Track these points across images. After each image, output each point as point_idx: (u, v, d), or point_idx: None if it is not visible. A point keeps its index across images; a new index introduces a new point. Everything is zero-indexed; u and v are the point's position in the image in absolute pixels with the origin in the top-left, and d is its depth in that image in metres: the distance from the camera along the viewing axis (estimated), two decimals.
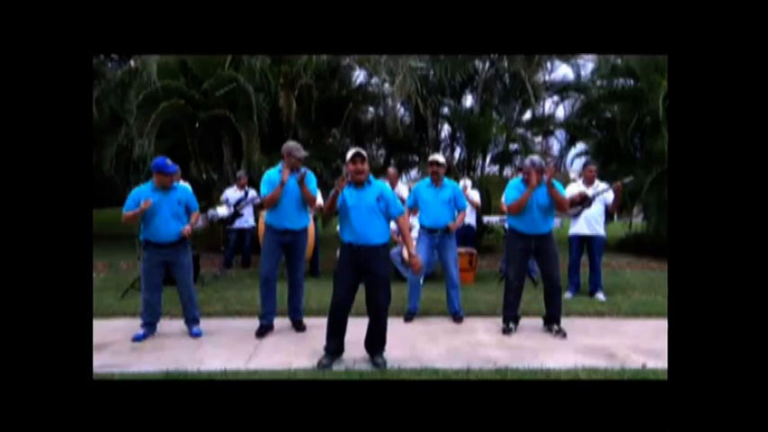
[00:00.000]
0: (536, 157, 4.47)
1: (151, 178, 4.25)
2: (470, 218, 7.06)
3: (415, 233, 5.97)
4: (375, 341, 3.69)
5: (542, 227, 4.39)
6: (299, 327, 4.48)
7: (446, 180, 4.86)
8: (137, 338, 4.19)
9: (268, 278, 4.39)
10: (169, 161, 4.26)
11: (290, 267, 4.50)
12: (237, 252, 7.59)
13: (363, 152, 3.63)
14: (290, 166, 4.27)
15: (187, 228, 4.27)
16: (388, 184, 7.02)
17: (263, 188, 4.37)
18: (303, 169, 4.28)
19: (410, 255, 3.79)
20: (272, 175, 4.38)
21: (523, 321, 4.60)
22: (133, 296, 5.53)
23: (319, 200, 6.77)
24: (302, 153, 4.32)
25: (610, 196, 5.75)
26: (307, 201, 4.39)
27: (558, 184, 4.44)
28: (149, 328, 4.30)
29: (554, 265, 4.46)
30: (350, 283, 3.63)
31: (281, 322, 4.52)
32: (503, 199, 7.25)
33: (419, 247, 4.82)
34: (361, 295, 3.69)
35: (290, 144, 4.41)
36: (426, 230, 4.83)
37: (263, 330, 4.35)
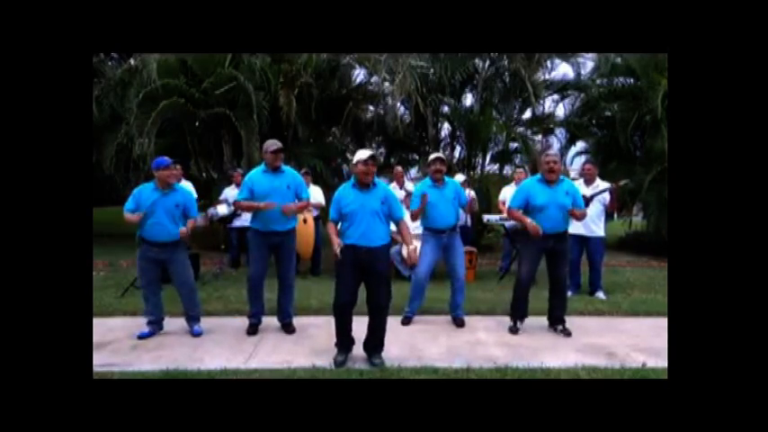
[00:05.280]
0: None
1: (152, 178, 4.24)
2: (463, 217, 7.01)
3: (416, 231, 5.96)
4: (375, 341, 3.70)
5: (561, 225, 4.33)
6: (288, 329, 4.40)
7: (446, 178, 4.81)
8: (142, 336, 4.20)
9: (255, 281, 4.37)
10: (166, 158, 4.27)
11: (280, 269, 4.42)
12: (241, 250, 7.59)
13: (377, 155, 3.60)
14: (270, 166, 4.27)
15: (183, 230, 4.23)
16: (394, 183, 7.03)
17: (242, 192, 4.34)
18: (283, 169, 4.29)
19: (409, 251, 3.67)
20: (252, 176, 4.33)
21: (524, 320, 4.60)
22: (133, 295, 5.53)
23: (321, 199, 6.80)
24: (272, 147, 4.26)
25: (607, 197, 5.73)
26: (300, 209, 4.39)
27: (569, 181, 4.43)
28: (155, 326, 4.30)
29: (563, 265, 4.46)
30: (352, 283, 3.63)
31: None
32: (500, 197, 7.26)
33: (425, 248, 4.71)
34: (361, 294, 3.69)
35: (266, 143, 4.39)
36: (433, 232, 4.69)
37: (253, 329, 4.35)
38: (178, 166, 4.55)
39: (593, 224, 5.72)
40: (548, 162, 4.30)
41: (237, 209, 4.42)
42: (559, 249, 4.40)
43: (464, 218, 6.80)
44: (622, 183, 5.90)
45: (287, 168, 4.41)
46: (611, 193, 5.70)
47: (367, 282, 3.66)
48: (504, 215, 6.66)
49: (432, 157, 4.78)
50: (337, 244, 3.57)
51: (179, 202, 4.24)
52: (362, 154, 3.62)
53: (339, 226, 3.73)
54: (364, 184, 3.63)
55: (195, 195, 5.61)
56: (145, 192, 4.19)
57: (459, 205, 4.77)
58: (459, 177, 6.85)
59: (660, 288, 6.10)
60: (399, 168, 7.59)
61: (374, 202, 3.63)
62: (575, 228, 5.71)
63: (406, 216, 4.26)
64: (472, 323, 4.68)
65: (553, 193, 4.29)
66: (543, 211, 4.29)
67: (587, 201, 5.60)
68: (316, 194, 6.81)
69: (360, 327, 3.74)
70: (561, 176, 4.39)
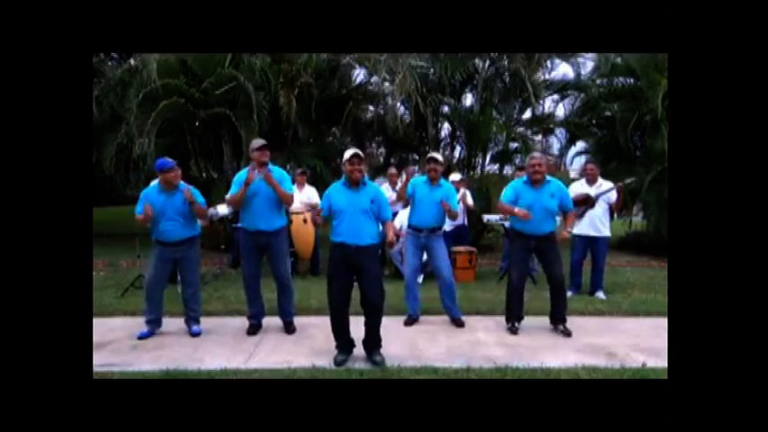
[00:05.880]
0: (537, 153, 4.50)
1: (152, 178, 4.25)
2: (461, 217, 6.99)
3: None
4: (371, 341, 3.72)
5: (544, 227, 4.36)
6: (288, 328, 4.43)
7: (442, 181, 4.77)
8: (141, 336, 4.21)
9: (250, 281, 4.38)
10: (168, 159, 4.28)
11: (272, 270, 4.43)
12: None
13: (361, 153, 3.64)
14: (257, 164, 4.26)
15: (187, 192, 4.19)
16: (386, 184, 7.03)
17: (233, 188, 4.35)
18: (268, 167, 4.25)
19: (386, 226, 3.81)
20: (242, 175, 4.35)
21: (523, 320, 4.59)
22: (133, 295, 5.54)
23: (317, 199, 6.80)
24: (257, 145, 4.28)
25: (613, 196, 5.73)
26: (281, 199, 4.32)
27: (558, 183, 4.43)
28: (154, 325, 4.31)
29: (557, 264, 4.46)
30: (344, 282, 3.67)
31: (280, 321, 4.52)
32: (501, 197, 7.27)
33: (408, 249, 4.79)
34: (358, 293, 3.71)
35: (252, 142, 4.42)
36: (413, 229, 4.73)
37: (253, 330, 4.37)
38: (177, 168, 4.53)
39: (600, 224, 5.73)
40: (532, 165, 4.34)
41: (230, 204, 4.44)
42: (546, 248, 4.42)
43: (462, 218, 6.80)
44: (628, 181, 5.89)
45: (273, 167, 4.41)
46: (617, 192, 5.70)
47: (359, 281, 3.68)
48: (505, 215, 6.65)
49: (428, 156, 4.79)
50: (317, 211, 3.75)
51: (185, 198, 4.26)
52: (348, 153, 3.66)
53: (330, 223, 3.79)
54: (353, 183, 3.66)
55: None
56: (151, 195, 4.23)
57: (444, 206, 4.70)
58: (456, 176, 6.84)
59: (660, 288, 6.10)
60: (393, 170, 7.60)
61: (363, 200, 3.66)
62: (582, 228, 5.73)
63: (403, 213, 4.26)
64: (472, 323, 4.68)
65: (537, 195, 4.32)
66: (529, 211, 4.31)
67: (593, 201, 5.61)
68: (311, 195, 6.82)
69: (359, 327, 3.74)
70: (548, 178, 4.40)
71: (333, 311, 3.69)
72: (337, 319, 3.69)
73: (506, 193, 4.55)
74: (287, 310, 4.47)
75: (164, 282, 4.37)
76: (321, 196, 6.77)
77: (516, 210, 4.33)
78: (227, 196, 4.36)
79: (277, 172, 4.37)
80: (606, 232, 5.82)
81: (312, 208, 6.63)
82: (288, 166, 8.67)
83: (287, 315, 4.47)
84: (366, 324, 3.71)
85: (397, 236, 3.69)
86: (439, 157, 4.74)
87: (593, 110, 10.00)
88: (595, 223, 5.71)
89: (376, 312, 3.68)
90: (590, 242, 5.78)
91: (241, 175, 4.39)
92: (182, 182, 4.31)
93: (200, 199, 4.35)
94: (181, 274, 4.37)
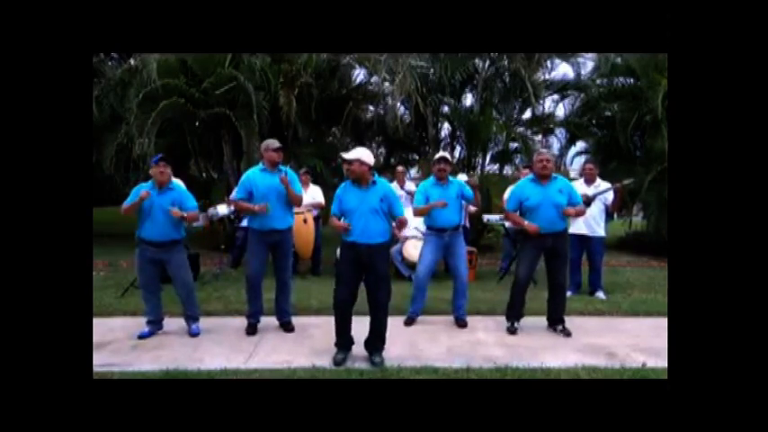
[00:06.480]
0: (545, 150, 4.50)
1: (151, 178, 4.23)
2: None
3: (414, 232, 5.94)
4: (375, 339, 3.72)
5: (558, 224, 4.34)
6: (287, 328, 4.43)
7: (450, 177, 4.78)
8: (142, 335, 4.21)
9: (254, 280, 4.38)
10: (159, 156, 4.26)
11: (277, 267, 4.45)
12: (244, 250, 7.56)
13: (351, 156, 3.64)
14: (271, 163, 4.30)
15: (175, 210, 4.09)
16: (395, 183, 7.04)
17: (238, 190, 4.35)
18: (282, 171, 4.29)
19: (399, 221, 3.86)
20: (251, 176, 4.35)
21: (523, 320, 4.59)
22: (133, 295, 5.53)
23: (320, 199, 6.81)
24: (276, 145, 4.35)
25: (610, 196, 5.73)
26: (293, 201, 4.37)
27: (564, 179, 4.43)
28: (154, 325, 4.31)
29: (562, 264, 4.45)
30: (351, 280, 3.67)
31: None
32: (505, 195, 7.28)
33: (426, 248, 4.73)
34: (361, 293, 3.71)
35: (266, 141, 4.45)
36: (435, 231, 4.67)
37: (252, 329, 4.37)
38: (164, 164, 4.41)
39: (594, 224, 5.73)
40: (540, 160, 4.32)
41: (236, 208, 4.45)
42: (558, 249, 4.40)
43: (462, 218, 6.79)
44: (626, 182, 5.87)
45: (285, 168, 4.44)
46: (615, 193, 5.69)
47: (367, 280, 3.69)
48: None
49: (436, 156, 4.76)
50: (344, 227, 3.64)
51: (175, 200, 4.19)
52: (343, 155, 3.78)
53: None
54: (357, 182, 3.69)
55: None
56: (144, 189, 4.17)
57: (464, 201, 4.73)
58: (463, 176, 6.84)
59: (660, 288, 6.10)
60: (401, 168, 7.62)
61: (373, 199, 3.66)
62: (576, 227, 5.72)
63: (408, 213, 4.27)
64: (472, 323, 4.68)
65: (546, 191, 4.30)
66: (537, 211, 4.31)
67: (589, 200, 5.60)
68: (315, 194, 6.82)
69: (359, 327, 3.75)
70: (555, 175, 4.39)
71: (338, 309, 3.69)
72: (341, 316, 3.70)
73: (510, 201, 4.54)
74: (284, 310, 4.48)
75: (155, 283, 4.32)
76: (324, 196, 6.85)
77: (526, 224, 4.31)
78: (237, 201, 4.35)
79: (289, 174, 4.39)
80: (601, 232, 5.81)
81: (315, 207, 6.65)
82: (288, 166, 8.67)
83: (284, 315, 4.47)
84: (372, 323, 3.71)
85: (398, 239, 3.69)
86: (448, 156, 4.73)
87: (593, 110, 10.00)
88: (590, 223, 5.69)
89: (381, 311, 3.68)
90: (584, 241, 5.78)
91: (249, 174, 4.39)
92: (174, 180, 4.28)
93: (188, 206, 4.24)
94: (170, 274, 4.33)
